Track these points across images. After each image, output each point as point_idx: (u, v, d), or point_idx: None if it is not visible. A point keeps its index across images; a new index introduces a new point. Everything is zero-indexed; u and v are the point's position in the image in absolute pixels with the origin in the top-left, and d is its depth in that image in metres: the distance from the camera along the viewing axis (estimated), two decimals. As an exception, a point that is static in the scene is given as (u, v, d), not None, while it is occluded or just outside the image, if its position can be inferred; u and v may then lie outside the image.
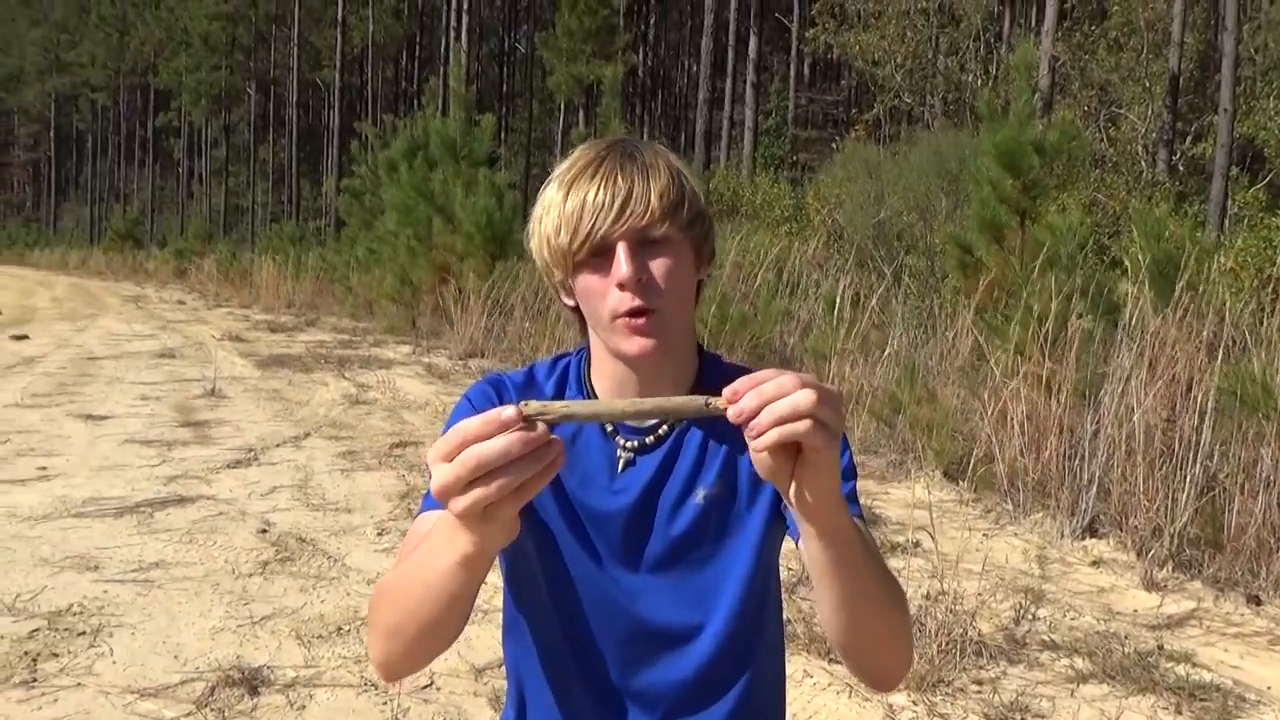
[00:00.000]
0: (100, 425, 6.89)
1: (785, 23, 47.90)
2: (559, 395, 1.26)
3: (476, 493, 0.87)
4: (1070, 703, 3.11)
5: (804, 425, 0.87)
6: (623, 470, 1.22)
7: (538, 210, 1.19)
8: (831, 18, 32.90)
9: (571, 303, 1.22)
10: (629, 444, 1.22)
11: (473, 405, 1.23)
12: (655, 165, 1.15)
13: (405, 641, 1.08)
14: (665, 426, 1.22)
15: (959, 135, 17.49)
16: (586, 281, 1.15)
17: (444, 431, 1.23)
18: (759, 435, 0.87)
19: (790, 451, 0.90)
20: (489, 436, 0.86)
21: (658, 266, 1.13)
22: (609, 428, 1.22)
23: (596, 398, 1.24)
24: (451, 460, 0.87)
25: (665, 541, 1.20)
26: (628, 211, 1.11)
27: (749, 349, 7.88)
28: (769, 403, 0.87)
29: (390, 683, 1.04)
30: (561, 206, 1.14)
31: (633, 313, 1.12)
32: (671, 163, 1.18)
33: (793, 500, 0.93)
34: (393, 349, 11.84)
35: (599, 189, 1.12)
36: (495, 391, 1.25)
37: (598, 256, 1.13)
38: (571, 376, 1.27)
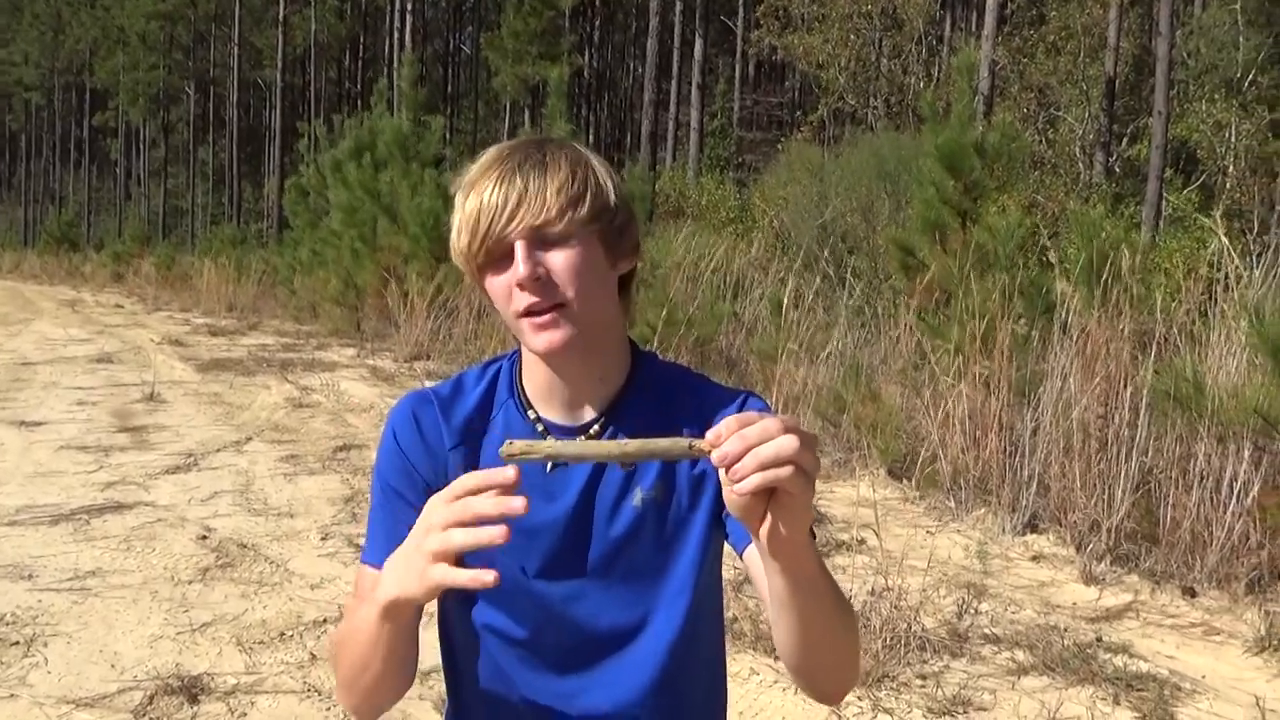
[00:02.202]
0: (34, 431, 6.74)
1: (730, 25, 48.11)
2: (488, 401, 1.25)
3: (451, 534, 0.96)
4: (1011, 695, 3.15)
5: (786, 471, 0.87)
6: (552, 470, 1.20)
7: (453, 216, 1.18)
8: (776, 20, 33.11)
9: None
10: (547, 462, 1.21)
11: (395, 438, 1.23)
12: (555, 161, 1.13)
13: (361, 693, 1.16)
14: (598, 426, 1.20)
15: (901, 137, 17.69)
16: (491, 285, 1.15)
17: (375, 463, 1.24)
18: (741, 479, 0.88)
19: (764, 494, 0.90)
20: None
21: (557, 263, 1.12)
22: (540, 427, 1.21)
23: (527, 400, 1.23)
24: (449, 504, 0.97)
25: (604, 545, 1.19)
26: (521, 210, 1.10)
27: (694, 351, 7.91)
28: (753, 447, 0.88)
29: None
30: (463, 209, 1.14)
31: (533, 310, 1.12)
32: (577, 158, 1.16)
33: (763, 539, 0.93)
34: (337, 352, 11.71)
35: (494, 190, 1.11)
36: (415, 417, 1.23)
37: (499, 259, 1.13)
38: (502, 381, 1.25)
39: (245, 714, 2.91)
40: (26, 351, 11.50)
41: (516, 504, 0.94)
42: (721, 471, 0.89)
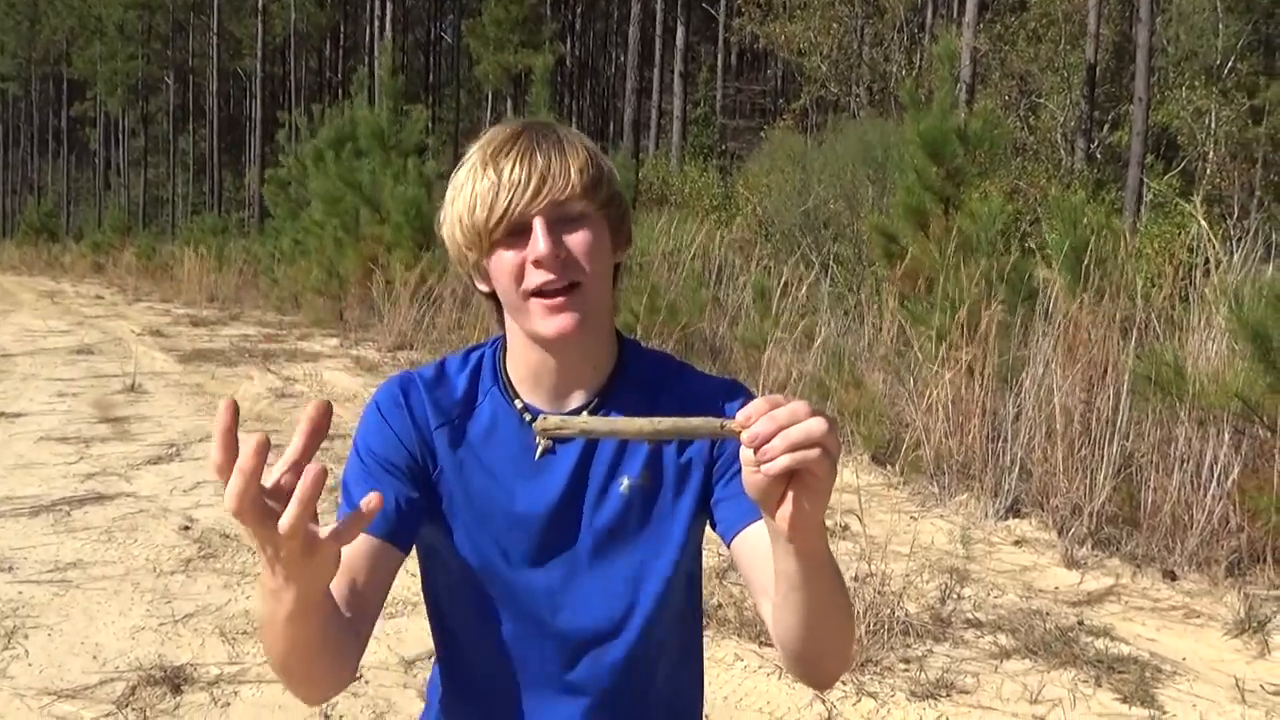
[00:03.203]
0: (14, 423, 6.69)
1: (712, 13, 48.03)
2: (472, 388, 1.24)
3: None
4: (994, 678, 3.17)
5: (815, 453, 0.87)
6: (540, 456, 1.20)
7: (450, 193, 1.16)
8: (758, 8, 33.09)
9: (487, 288, 1.20)
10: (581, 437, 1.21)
11: (381, 413, 1.22)
12: (572, 143, 1.14)
13: (298, 678, 1.07)
14: (587, 413, 1.20)
15: (883, 124, 17.70)
16: (502, 260, 1.13)
17: (356, 437, 1.22)
18: (771, 460, 0.87)
19: (786, 476, 0.90)
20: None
21: (577, 242, 1.12)
22: (527, 415, 1.20)
23: (512, 387, 1.22)
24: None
25: (591, 531, 1.20)
26: (546, 186, 1.10)
27: (679, 339, 7.91)
28: (783, 428, 0.88)
29: (314, 707, 1.02)
30: (476, 185, 1.12)
31: (551, 290, 1.11)
32: (590, 143, 1.16)
33: (780, 520, 0.93)
34: (320, 342, 11.65)
35: (515, 166, 1.10)
36: (403, 393, 1.23)
37: (514, 235, 1.11)
38: (486, 368, 1.25)
39: (229, 704, 2.90)
40: (5, 343, 11.41)
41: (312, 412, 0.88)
42: (748, 452, 0.89)
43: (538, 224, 1.10)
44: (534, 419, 1.20)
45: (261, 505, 0.85)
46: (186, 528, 4.51)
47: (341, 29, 51.81)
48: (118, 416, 7.04)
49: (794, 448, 0.87)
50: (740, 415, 0.89)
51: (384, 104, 13.25)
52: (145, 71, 53.55)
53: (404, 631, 3.35)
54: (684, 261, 9.14)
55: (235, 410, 0.84)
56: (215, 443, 0.83)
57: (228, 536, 4.39)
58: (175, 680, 3.00)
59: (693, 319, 8.05)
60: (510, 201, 1.10)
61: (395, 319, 10.95)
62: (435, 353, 9.63)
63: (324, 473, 0.84)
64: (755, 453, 0.88)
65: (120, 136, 60.24)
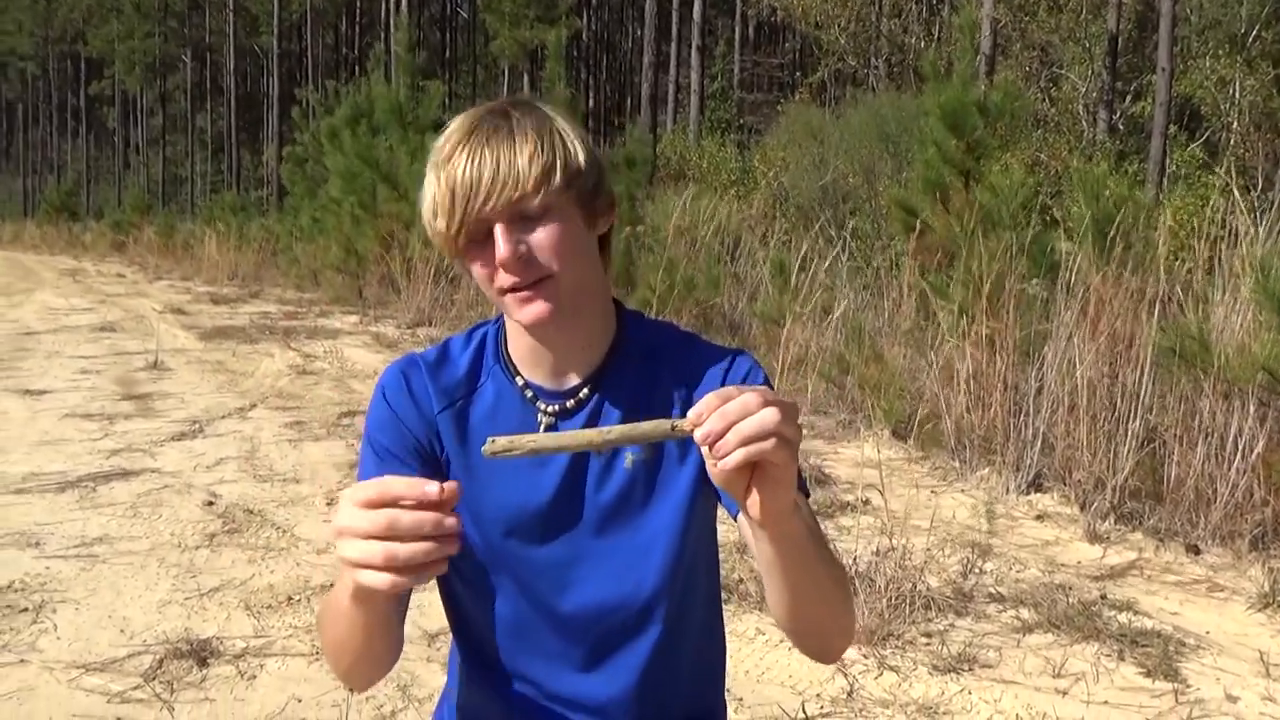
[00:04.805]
0: (39, 400, 6.75)
1: (730, -14, 47.65)
2: (475, 367, 1.23)
3: (369, 548, 0.88)
4: (1016, 652, 3.17)
5: (769, 444, 0.87)
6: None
7: (422, 189, 1.14)
8: (775, -20, 32.82)
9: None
10: (549, 408, 1.20)
11: (386, 401, 1.22)
12: (522, 130, 1.10)
13: (347, 665, 1.14)
14: (586, 390, 1.20)
15: (901, 98, 17.57)
16: (473, 266, 1.13)
17: (368, 426, 1.21)
18: (725, 455, 0.87)
19: (748, 465, 0.90)
20: (411, 504, 0.88)
21: (539, 239, 1.10)
22: (528, 393, 1.20)
23: (514, 366, 1.22)
24: (368, 508, 0.88)
25: (595, 509, 1.20)
26: (497, 188, 1.07)
27: (697, 314, 7.89)
28: (734, 424, 0.87)
29: (359, 693, 1.06)
30: (436, 190, 1.10)
31: (518, 288, 1.10)
32: (543, 122, 1.12)
33: (748, 509, 0.93)
34: (339, 319, 11.70)
35: (466, 167, 1.08)
36: (405, 379, 1.22)
37: (478, 241, 1.10)
38: (488, 348, 1.24)
39: (254, 676, 2.93)
40: (29, 321, 11.49)
41: (450, 523, 0.88)
42: (705, 449, 0.89)
43: (497, 230, 1.08)
44: (535, 397, 1.20)
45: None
46: (210, 503, 4.54)
47: (358, 5, 51.68)
48: (141, 393, 7.09)
49: (747, 441, 0.87)
50: (691, 414, 0.89)
51: (400, 80, 13.23)
52: (162, 49, 53.63)
53: (426, 606, 3.37)
54: (701, 237, 9.11)
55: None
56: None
57: (251, 512, 4.43)
58: (202, 653, 3.03)
59: (710, 294, 8.03)
60: (466, 209, 1.08)
61: (414, 296, 10.97)
62: (454, 329, 9.64)
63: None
64: (710, 449, 0.88)
65: (138, 115, 60.41)
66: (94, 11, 57.01)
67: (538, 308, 1.11)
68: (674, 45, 36.85)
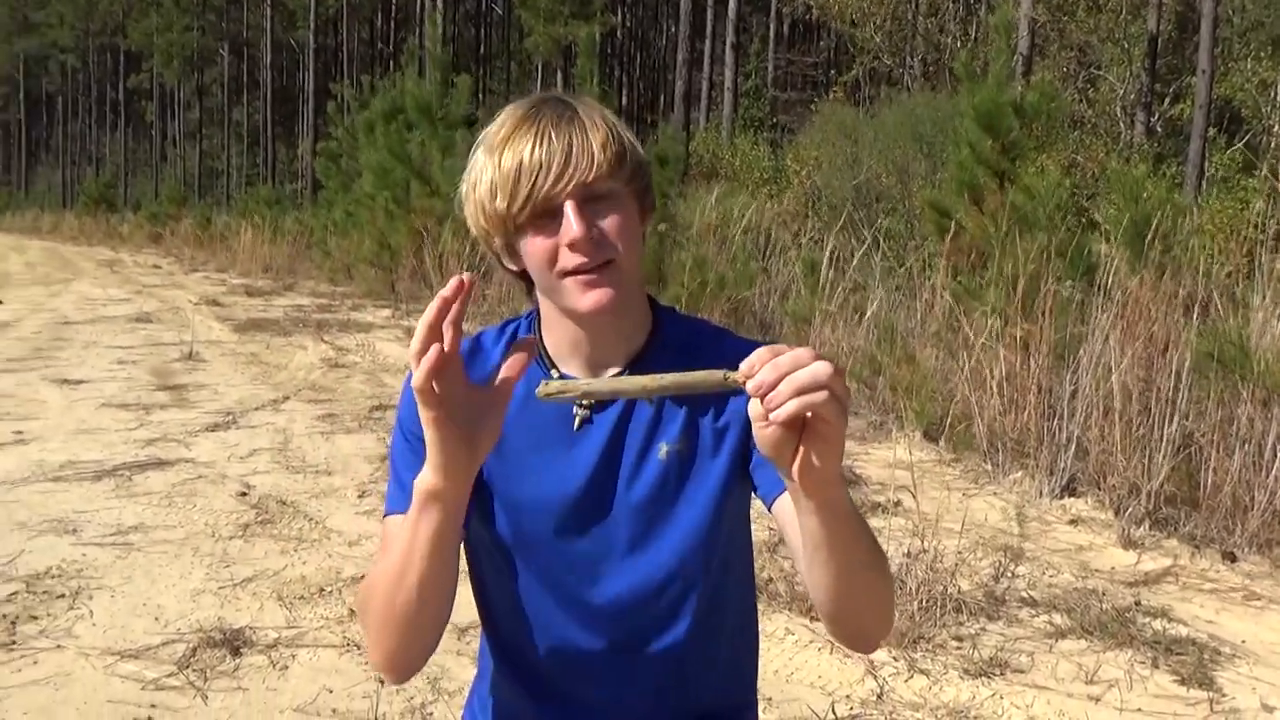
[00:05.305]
0: (76, 389, 6.83)
1: (764, -17, 47.50)
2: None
3: (425, 347, 0.93)
4: (1049, 658, 3.14)
5: (822, 395, 0.87)
6: (579, 428, 1.20)
7: (469, 177, 1.15)
8: (811, -22, 32.68)
9: (515, 267, 1.19)
10: (585, 401, 1.20)
11: None
12: (591, 118, 1.12)
13: (397, 629, 1.10)
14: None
15: (935, 98, 17.45)
16: (532, 245, 1.12)
17: (400, 413, 1.23)
18: (778, 406, 0.87)
19: (797, 426, 0.90)
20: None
21: (608, 221, 1.11)
22: None
23: (549, 358, 1.22)
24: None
25: (628, 502, 1.20)
26: (570, 168, 1.08)
27: (727, 311, 7.88)
28: (786, 374, 0.87)
29: (401, 683, 1.05)
30: (495, 171, 1.10)
31: (586, 269, 1.10)
32: (606, 115, 1.14)
33: (795, 476, 0.92)
34: (371, 312, 11.77)
35: (534, 147, 1.08)
36: None
37: (542, 217, 1.10)
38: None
39: (286, 666, 2.95)
40: (67, 311, 11.64)
41: (447, 290, 0.94)
42: (755, 404, 0.89)
43: (569, 207, 1.09)
44: None
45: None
46: (244, 494, 4.58)
47: (393, 0, 51.92)
48: (176, 384, 7.16)
49: (800, 391, 0.87)
50: (744, 365, 0.89)
51: (432, 76, 13.27)
52: (200, 43, 54.08)
53: (457, 600, 3.38)
54: (733, 235, 9.08)
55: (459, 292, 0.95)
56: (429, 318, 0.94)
57: (284, 503, 4.46)
58: (235, 642, 3.06)
59: (741, 292, 8.01)
60: (534, 186, 1.08)
61: (446, 290, 11.00)
62: (485, 324, 9.66)
63: (469, 281, 0.95)
64: (762, 402, 0.88)
65: (176, 108, 61.00)
66: (134, 5, 57.59)
67: (601, 293, 1.11)
68: (708, 43, 36.78)
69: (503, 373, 1.01)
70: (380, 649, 1.12)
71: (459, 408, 0.99)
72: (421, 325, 0.94)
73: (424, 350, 0.93)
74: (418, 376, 0.94)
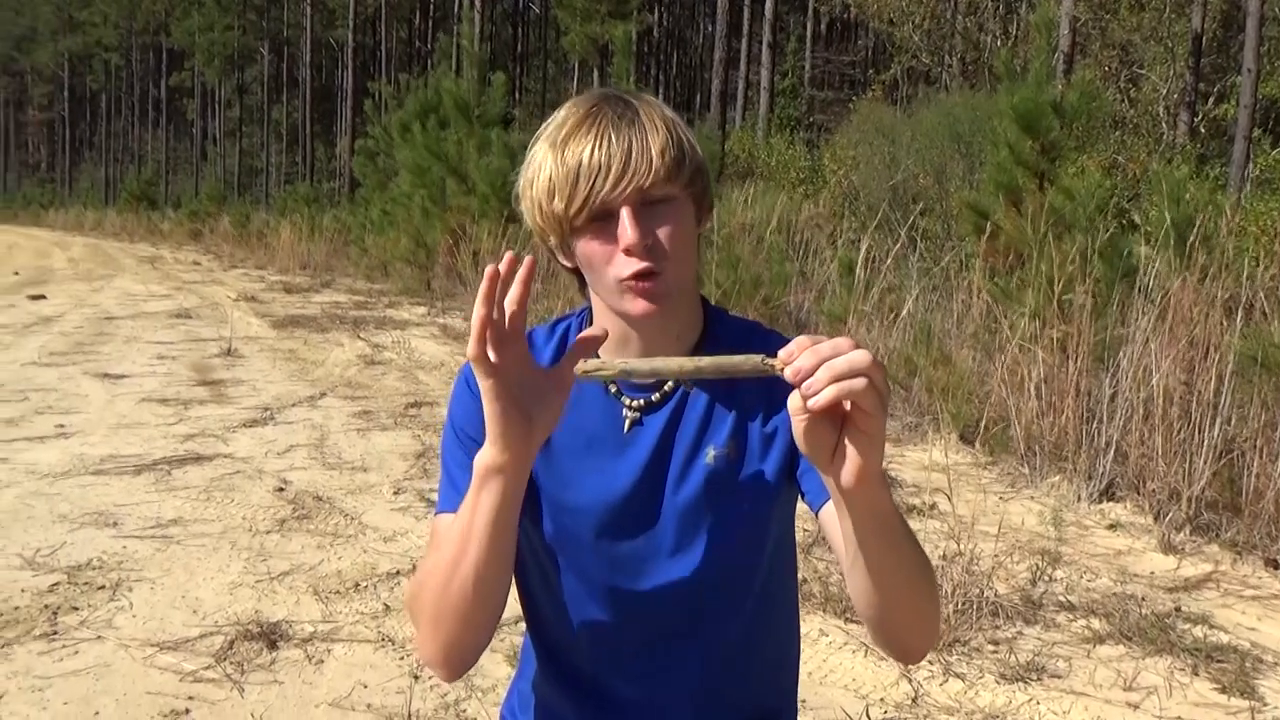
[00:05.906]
0: (117, 384, 6.92)
1: (802, -18, 47.31)
2: (557, 359, 1.23)
3: (476, 316, 0.96)
4: (1087, 663, 3.11)
5: (861, 383, 0.86)
6: (629, 430, 1.20)
7: (527, 171, 1.14)
8: (849, -23, 32.50)
9: (569, 264, 1.18)
10: (634, 403, 1.20)
11: (468, 385, 1.22)
12: (652, 120, 1.11)
13: (450, 619, 1.09)
14: (670, 384, 1.20)
15: (974, 97, 17.31)
16: (588, 247, 1.12)
17: (451, 410, 1.23)
18: (816, 393, 0.86)
19: (835, 422, 0.89)
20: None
21: (665, 227, 1.10)
22: (613, 387, 1.21)
23: (599, 359, 1.22)
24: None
25: (674, 504, 1.19)
26: (629, 173, 1.07)
27: (763, 311, 7.86)
28: (825, 361, 0.86)
29: (454, 679, 1.06)
30: (555, 169, 1.10)
31: (640, 275, 1.09)
32: (666, 115, 1.13)
33: (835, 473, 0.91)
34: (408, 310, 11.84)
35: (594, 149, 1.07)
36: None
37: (598, 221, 1.10)
38: (572, 338, 1.24)
39: (322, 661, 2.98)
40: (109, 306, 11.80)
41: (501, 265, 0.96)
42: (794, 398, 0.88)
43: (625, 213, 1.08)
44: (620, 391, 1.20)
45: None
46: (281, 489, 4.63)
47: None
48: (215, 380, 7.24)
49: (838, 377, 0.86)
50: (783, 352, 0.89)
51: (469, 74, 13.33)
52: (241, 42, 54.65)
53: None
54: (768, 234, 9.06)
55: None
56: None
57: (320, 499, 4.50)
58: (271, 636, 3.08)
59: (776, 291, 7.99)
60: (591, 190, 1.07)
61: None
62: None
63: (526, 261, 0.97)
64: (800, 387, 0.87)
65: (216, 107, 61.63)
66: (177, 4, 58.25)
67: (653, 298, 1.10)
68: (745, 42, 36.66)
69: (569, 353, 1.04)
70: (433, 642, 1.12)
71: (518, 385, 1.00)
72: (477, 299, 0.96)
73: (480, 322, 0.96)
74: (470, 344, 0.96)
